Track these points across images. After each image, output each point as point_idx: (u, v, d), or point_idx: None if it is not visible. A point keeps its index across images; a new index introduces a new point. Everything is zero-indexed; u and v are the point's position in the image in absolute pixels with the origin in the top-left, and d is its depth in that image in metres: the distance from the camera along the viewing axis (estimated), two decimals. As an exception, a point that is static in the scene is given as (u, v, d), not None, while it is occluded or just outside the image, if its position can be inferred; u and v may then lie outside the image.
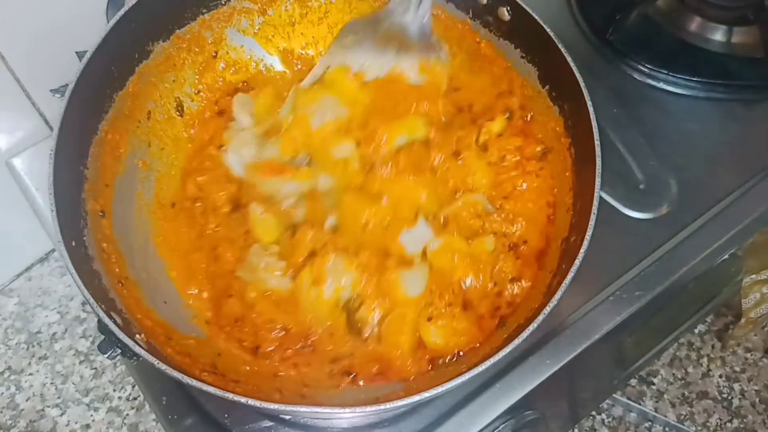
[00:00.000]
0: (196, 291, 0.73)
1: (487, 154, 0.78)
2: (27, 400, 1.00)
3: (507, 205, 0.76)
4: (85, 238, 0.64)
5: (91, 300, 0.57)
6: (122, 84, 0.74)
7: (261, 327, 0.70)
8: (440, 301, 0.71)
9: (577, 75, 0.70)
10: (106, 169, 0.72)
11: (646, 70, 0.97)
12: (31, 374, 1.02)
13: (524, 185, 0.76)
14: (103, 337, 0.62)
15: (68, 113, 0.65)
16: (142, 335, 0.61)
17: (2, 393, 1.00)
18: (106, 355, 0.63)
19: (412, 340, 0.68)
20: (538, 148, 0.78)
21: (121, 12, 0.71)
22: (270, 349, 0.69)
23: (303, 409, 0.55)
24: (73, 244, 0.61)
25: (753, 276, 0.97)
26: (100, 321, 0.57)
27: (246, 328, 0.70)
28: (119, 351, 0.62)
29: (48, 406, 1.00)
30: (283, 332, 0.70)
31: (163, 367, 0.55)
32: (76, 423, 0.99)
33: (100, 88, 0.71)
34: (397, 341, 0.68)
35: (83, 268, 0.61)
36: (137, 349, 0.56)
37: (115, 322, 0.57)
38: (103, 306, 0.58)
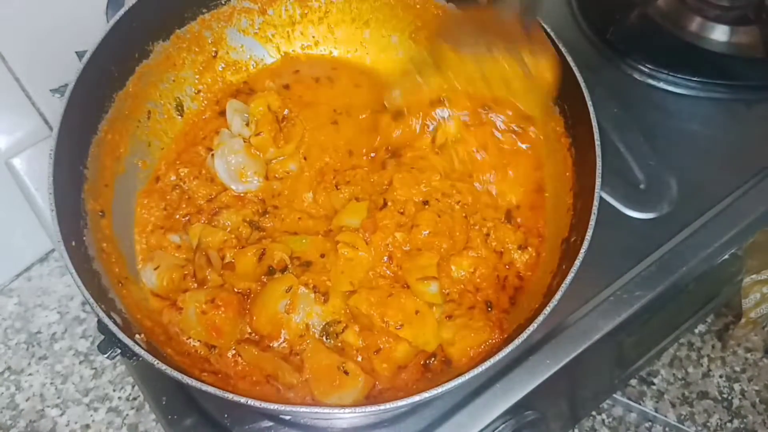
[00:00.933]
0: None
1: (469, 146, 0.79)
2: (27, 400, 1.00)
3: (497, 181, 0.78)
4: (85, 238, 0.65)
5: (91, 300, 0.57)
6: (122, 84, 0.75)
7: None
8: (462, 299, 0.71)
9: (578, 75, 0.70)
10: (106, 169, 0.72)
11: (646, 69, 0.97)
12: (30, 374, 1.02)
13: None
14: (103, 337, 0.62)
15: (68, 113, 0.65)
16: (142, 335, 0.61)
17: (2, 393, 1.00)
18: (105, 355, 0.63)
19: (410, 354, 0.68)
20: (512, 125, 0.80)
21: (121, 12, 0.71)
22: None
23: (303, 409, 0.55)
24: (73, 244, 0.61)
25: (753, 276, 0.97)
26: (100, 321, 0.57)
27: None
28: (119, 351, 0.62)
29: (48, 406, 1.00)
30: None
31: (163, 367, 0.55)
32: (75, 423, 0.99)
33: (100, 88, 0.72)
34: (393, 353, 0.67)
35: (83, 268, 0.61)
36: (137, 349, 0.56)
37: (114, 322, 0.57)
38: (103, 306, 0.58)
